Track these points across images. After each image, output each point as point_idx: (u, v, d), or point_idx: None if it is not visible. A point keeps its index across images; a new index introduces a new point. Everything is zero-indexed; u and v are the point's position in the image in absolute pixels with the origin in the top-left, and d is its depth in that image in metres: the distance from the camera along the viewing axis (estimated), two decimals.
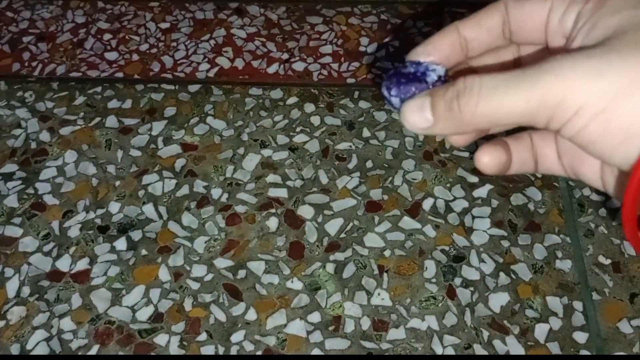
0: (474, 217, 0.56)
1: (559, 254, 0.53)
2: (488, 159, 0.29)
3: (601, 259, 0.53)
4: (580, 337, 0.49)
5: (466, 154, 0.60)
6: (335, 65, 0.69)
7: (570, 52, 0.24)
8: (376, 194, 0.58)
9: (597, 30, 0.25)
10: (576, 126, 0.24)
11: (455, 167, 0.59)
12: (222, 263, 0.53)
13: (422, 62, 0.28)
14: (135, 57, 0.71)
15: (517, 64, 0.28)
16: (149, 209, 0.57)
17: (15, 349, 0.48)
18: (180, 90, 0.67)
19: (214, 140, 0.62)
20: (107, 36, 0.73)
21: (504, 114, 0.24)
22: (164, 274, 0.53)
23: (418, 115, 0.26)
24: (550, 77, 0.23)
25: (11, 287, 0.52)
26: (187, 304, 0.51)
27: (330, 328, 0.50)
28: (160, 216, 0.57)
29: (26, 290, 0.52)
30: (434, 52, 0.28)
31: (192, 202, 0.58)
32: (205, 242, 0.55)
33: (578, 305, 0.50)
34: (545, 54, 0.28)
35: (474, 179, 0.58)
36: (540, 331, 0.49)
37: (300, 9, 0.76)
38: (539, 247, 0.54)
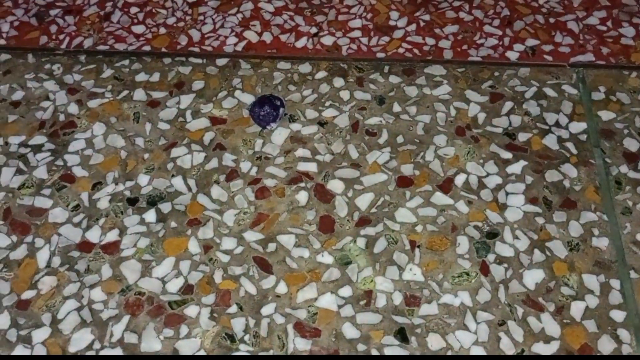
0: (507, 194, 0.55)
1: (596, 232, 0.52)
2: None
3: (639, 237, 0.51)
4: (618, 315, 0.48)
5: (499, 130, 0.59)
6: (364, 40, 0.68)
7: None
8: (407, 169, 0.57)
9: None
10: None
11: (489, 142, 0.58)
12: (251, 236, 0.53)
13: None
14: (162, 30, 0.71)
15: None
16: (178, 182, 0.57)
17: (46, 319, 0.48)
18: (208, 64, 0.67)
19: (242, 114, 0.62)
20: (134, 9, 0.73)
21: None
22: (193, 246, 0.52)
23: None
24: None
25: (42, 257, 0.52)
26: (217, 277, 0.51)
27: (362, 302, 0.49)
28: (190, 189, 0.56)
29: (56, 261, 0.52)
30: None
31: (221, 175, 0.57)
32: (235, 215, 0.55)
33: (615, 283, 0.49)
34: None
35: (507, 155, 0.57)
36: (577, 309, 0.48)
37: None
38: (575, 225, 0.52)
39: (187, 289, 0.50)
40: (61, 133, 0.61)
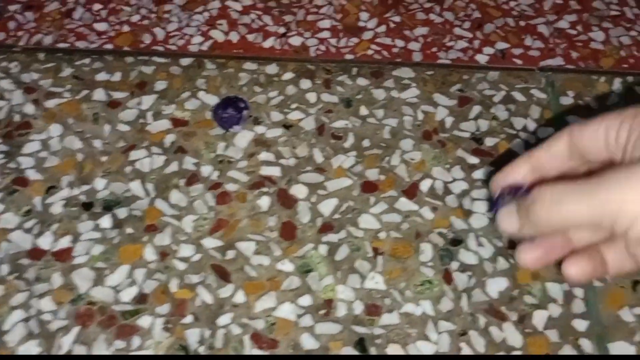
0: (473, 200, 0.54)
1: None
2: (576, 270, 0.32)
3: None
4: (581, 324, 0.47)
5: (467, 134, 0.58)
6: (333, 41, 0.67)
7: (626, 165, 0.28)
8: (372, 174, 0.56)
9: None
10: (637, 231, 0.27)
11: (455, 147, 0.57)
12: (210, 243, 0.51)
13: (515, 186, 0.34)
14: (125, 28, 0.69)
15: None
16: (135, 186, 0.55)
17: None
18: (172, 64, 0.65)
19: (205, 116, 0.60)
20: (97, 6, 0.70)
21: (572, 219, 0.29)
22: (149, 254, 0.51)
23: (508, 221, 0.32)
24: (607, 191, 0.27)
25: None
26: (173, 285, 0.49)
27: (322, 312, 0.48)
28: (148, 193, 0.54)
29: (4, 269, 0.49)
30: (510, 179, 0.34)
31: (181, 179, 0.56)
32: (194, 221, 0.53)
33: (579, 292, 0.49)
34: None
35: (474, 160, 0.56)
36: (539, 318, 0.47)
37: None
38: None
39: (141, 298, 0.48)
40: (15, 134, 0.58)
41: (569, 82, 0.62)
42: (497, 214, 0.33)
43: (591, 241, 0.33)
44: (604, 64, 0.63)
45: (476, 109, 0.60)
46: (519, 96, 0.61)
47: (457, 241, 0.51)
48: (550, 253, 0.32)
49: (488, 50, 0.65)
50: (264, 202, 0.54)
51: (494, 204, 0.34)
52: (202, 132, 0.59)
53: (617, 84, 0.62)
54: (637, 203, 0.27)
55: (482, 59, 0.64)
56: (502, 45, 0.65)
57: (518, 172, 0.34)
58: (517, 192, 0.33)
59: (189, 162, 0.57)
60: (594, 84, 0.62)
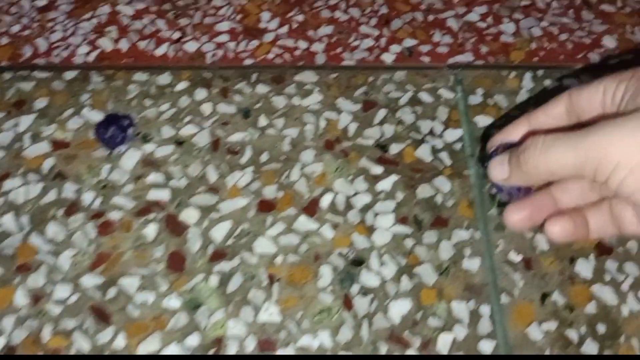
0: (376, 214, 0.50)
1: (467, 252, 0.48)
2: (558, 229, 0.33)
3: (512, 255, 0.48)
4: (487, 346, 0.44)
5: (371, 142, 0.55)
6: (232, 45, 0.62)
7: (615, 116, 0.29)
8: (270, 192, 0.52)
9: (638, 98, 0.30)
10: (616, 180, 0.28)
11: (359, 156, 0.54)
12: (90, 281, 0.47)
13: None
14: (4, 40, 0.62)
15: None
16: (8, 220, 0.50)
17: None
18: (55, 78, 0.59)
19: (89, 136, 0.55)
20: None
21: (559, 166, 0.30)
22: (20, 298, 0.46)
23: (499, 169, 0.34)
24: (594, 137, 0.29)
25: None
26: (46, 333, 0.44)
27: (211, 351, 0.44)
28: (21, 228, 0.49)
29: None
30: (508, 138, 0.35)
31: (60, 209, 0.51)
32: (72, 257, 0.48)
33: (485, 309, 0.46)
34: None
35: (378, 169, 0.53)
36: (443, 343, 0.44)
37: None
38: (446, 245, 0.49)
39: (8, 351, 0.44)
40: None
41: (478, 79, 0.59)
42: (490, 161, 0.35)
43: (577, 204, 0.35)
44: (514, 58, 0.60)
45: (381, 114, 0.56)
46: (426, 97, 0.58)
47: (359, 261, 0.48)
48: (537, 214, 0.34)
49: (395, 48, 0.61)
50: (151, 231, 0.50)
51: (486, 158, 0.36)
52: (85, 155, 0.54)
53: (527, 78, 0.59)
54: (620, 151, 0.28)
55: (388, 58, 0.60)
56: (409, 42, 0.61)
57: (517, 132, 0.35)
58: (510, 148, 0.35)
59: (69, 190, 0.52)
60: (503, 80, 0.59)
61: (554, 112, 0.34)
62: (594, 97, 0.32)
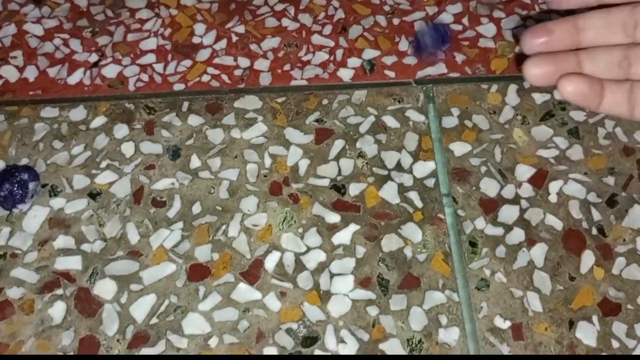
0: (332, 275, 0.41)
1: (443, 320, 0.40)
2: (572, 88, 0.30)
3: (498, 321, 0.40)
4: None
5: (326, 182, 0.46)
6: (159, 67, 0.52)
7: None
8: (203, 253, 0.43)
9: None
10: None
11: (311, 202, 0.45)
12: None
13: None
14: None
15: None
16: None
17: None
18: None
19: None
20: None
21: None
22: None
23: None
24: None
25: None
26: None
27: None
28: None
29: None
30: (546, 36, 0.31)
31: None
32: None
33: None
34: None
35: (334, 217, 0.44)
36: None
37: None
38: (417, 313, 0.40)
39: None
40: None
41: (453, 96, 0.50)
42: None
43: (600, 76, 0.32)
44: (495, 68, 0.51)
45: (338, 145, 0.47)
46: (391, 122, 0.48)
47: (312, 339, 0.39)
48: (558, 71, 0.32)
49: (354, 62, 0.51)
50: (58, 311, 0.40)
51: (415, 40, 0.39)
52: None
53: (511, 92, 0.50)
54: None
55: (346, 74, 0.51)
56: (371, 53, 0.52)
57: (554, 31, 0.32)
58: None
59: None
60: (483, 95, 0.50)
61: (613, 20, 0.31)
62: None
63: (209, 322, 0.40)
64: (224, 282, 0.41)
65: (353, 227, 0.43)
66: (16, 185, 0.44)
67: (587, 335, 0.39)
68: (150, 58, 0.52)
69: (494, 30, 0.53)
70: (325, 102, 0.49)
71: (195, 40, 0.53)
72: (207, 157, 0.47)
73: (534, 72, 0.33)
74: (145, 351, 0.39)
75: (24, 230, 0.44)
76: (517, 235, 0.42)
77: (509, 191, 0.44)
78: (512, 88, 0.50)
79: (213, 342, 0.39)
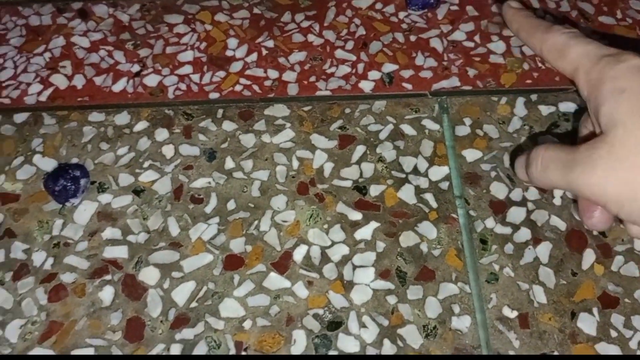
0: (355, 267, 0.46)
1: (456, 309, 0.44)
2: (594, 220, 0.43)
3: (506, 311, 0.44)
4: None
5: (348, 184, 0.50)
6: (195, 77, 0.57)
7: (590, 147, 0.38)
8: (238, 245, 0.47)
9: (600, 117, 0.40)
10: (614, 210, 0.39)
11: (335, 201, 0.49)
12: (40, 354, 0.42)
13: None
14: None
15: None
16: None
17: None
18: (4, 122, 0.54)
19: (40, 187, 0.50)
20: None
21: (555, 185, 0.42)
22: None
23: (521, 172, 0.46)
24: (577, 170, 0.38)
25: None
26: None
27: None
28: None
29: None
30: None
31: (8, 272, 0.46)
32: (21, 327, 0.43)
33: None
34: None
35: (356, 215, 0.48)
36: None
37: (157, 5, 0.63)
38: (432, 302, 0.44)
39: None
40: None
41: (466, 107, 0.54)
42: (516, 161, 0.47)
43: None
44: (505, 81, 0.55)
45: (360, 150, 0.51)
46: (408, 129, 0.53)
47: (336, 323, 0.43)
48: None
49: (374, 74, 0.56)
50: (107, 294, 0.45)
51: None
52: (36, 208, 0.49)
53: (519, 104, 0.54)
54: (609, 191, 0.37)
55: (367, 86, 0.55)
56: (390, 67, 0.56)
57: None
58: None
59: (17, 250, 0.47)
60: (494, 107, 0.54)
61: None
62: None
63: (243, 306, 0.44)
64: (256, 272, 0.45)
65: (374, 225, 0.47)
66: (69, 181, 0.48)
67: (587, 325, 0.43)
68: (187, 69, 0.57)
69: (504, 48, 0.57)
70: (347, 111, 0.54)
71: (229, 53, 0.58)
72: (240, 159, 0.51)
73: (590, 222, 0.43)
74: (186, 331, 0.43)
75: (75, 222, 0.48)
76: (524, 234, 0.46)
77: (516, 194, 0.48)
78: (520, 100, 0.54)
79: (247, 324, 0.43)
